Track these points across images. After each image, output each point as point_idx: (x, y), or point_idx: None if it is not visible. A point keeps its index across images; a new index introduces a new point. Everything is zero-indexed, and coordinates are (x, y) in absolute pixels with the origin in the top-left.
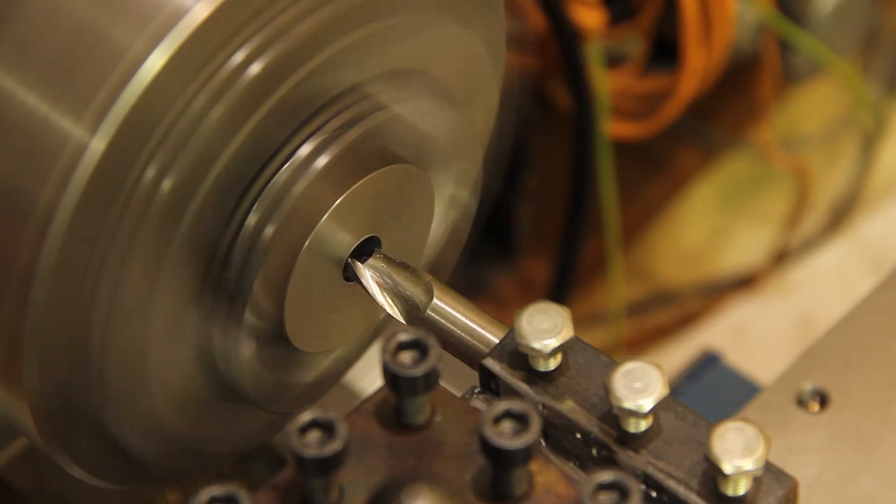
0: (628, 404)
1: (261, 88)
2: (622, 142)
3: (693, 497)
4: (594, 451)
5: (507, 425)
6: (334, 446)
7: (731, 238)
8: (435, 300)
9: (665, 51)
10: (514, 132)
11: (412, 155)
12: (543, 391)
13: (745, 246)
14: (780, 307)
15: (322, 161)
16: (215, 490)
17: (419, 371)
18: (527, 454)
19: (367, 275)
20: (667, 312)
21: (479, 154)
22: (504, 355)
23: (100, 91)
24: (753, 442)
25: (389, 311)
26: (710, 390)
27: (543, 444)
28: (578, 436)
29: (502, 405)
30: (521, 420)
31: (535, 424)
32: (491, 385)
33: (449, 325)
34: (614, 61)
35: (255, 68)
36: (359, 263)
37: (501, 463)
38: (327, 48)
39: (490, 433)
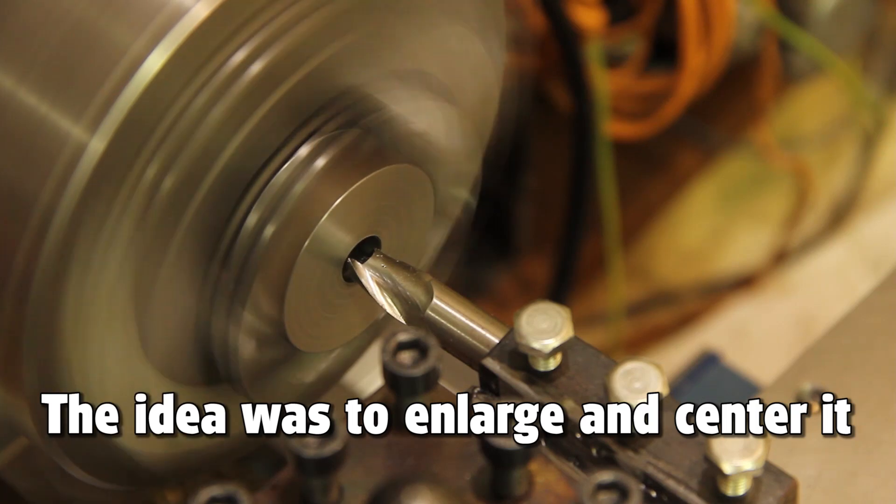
0: None
1: (261, 88)
2: (622, 142)
3: (693, 497)
4: (594, 451)
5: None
6: (334, 446)
7: (731, 238)
8: (435, 300)
9: (665, 51)
10: (514, 132)
11: (411, 155)
12: (543, 391)
13: (745, 246)
14: (780, 307)
15: (322, 161)
16: (215, 490)
17: (419, 371)
18: (527, 454)
19: (367, 275)
20: (667, 312)
21: (479, 154)
22: (504, 355)
23: (100, 91)
24: (753, 442)
25: (389, 311)
26: (710, 390)
27: (543, 444)
28: (578, 436)
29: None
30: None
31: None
32: (491, 385)
33: (449, 325)
34: (614, 61)
35: (255, 68)
36: (358, 263)
37: (501, 463)
38: (327, 48)
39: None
